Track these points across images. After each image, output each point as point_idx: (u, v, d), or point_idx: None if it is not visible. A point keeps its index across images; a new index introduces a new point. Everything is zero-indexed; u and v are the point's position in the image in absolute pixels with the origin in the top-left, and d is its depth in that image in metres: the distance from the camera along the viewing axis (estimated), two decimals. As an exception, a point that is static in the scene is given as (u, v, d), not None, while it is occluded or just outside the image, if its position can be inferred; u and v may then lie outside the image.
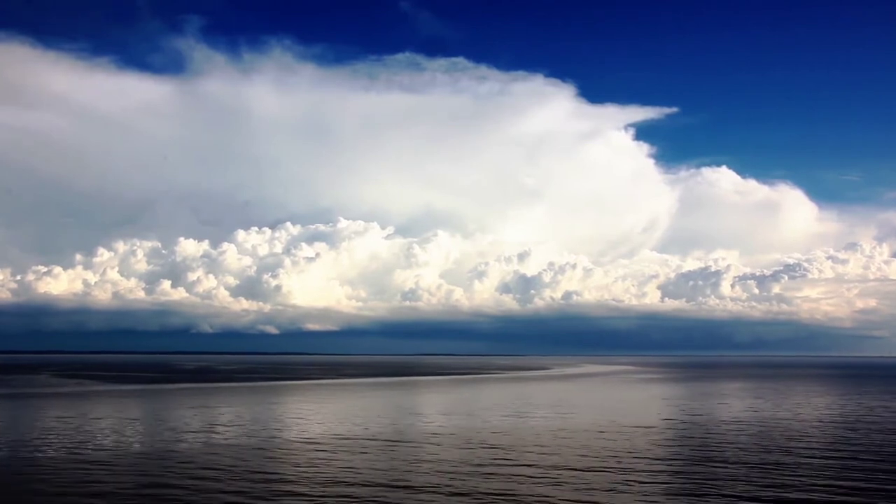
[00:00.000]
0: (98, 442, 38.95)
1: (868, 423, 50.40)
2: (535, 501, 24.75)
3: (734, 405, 66.00)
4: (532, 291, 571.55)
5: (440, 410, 60.49)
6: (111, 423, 48.56)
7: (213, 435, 41.91)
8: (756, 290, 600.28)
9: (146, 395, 78.27)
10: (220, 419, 50.98)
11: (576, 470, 30.40)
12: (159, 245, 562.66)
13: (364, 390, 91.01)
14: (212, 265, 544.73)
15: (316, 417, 53.06)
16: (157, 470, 30.53)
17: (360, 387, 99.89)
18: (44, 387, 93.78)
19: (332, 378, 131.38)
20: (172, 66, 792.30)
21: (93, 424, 47.49)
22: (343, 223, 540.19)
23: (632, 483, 27.71)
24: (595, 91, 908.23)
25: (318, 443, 38.86)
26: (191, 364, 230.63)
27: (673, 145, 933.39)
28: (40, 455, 34.55)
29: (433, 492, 26.24)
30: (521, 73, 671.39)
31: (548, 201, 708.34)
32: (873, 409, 61.87)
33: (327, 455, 34.61)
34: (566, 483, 27.72)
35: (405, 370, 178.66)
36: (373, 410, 59.86)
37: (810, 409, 62.15)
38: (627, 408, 63.63)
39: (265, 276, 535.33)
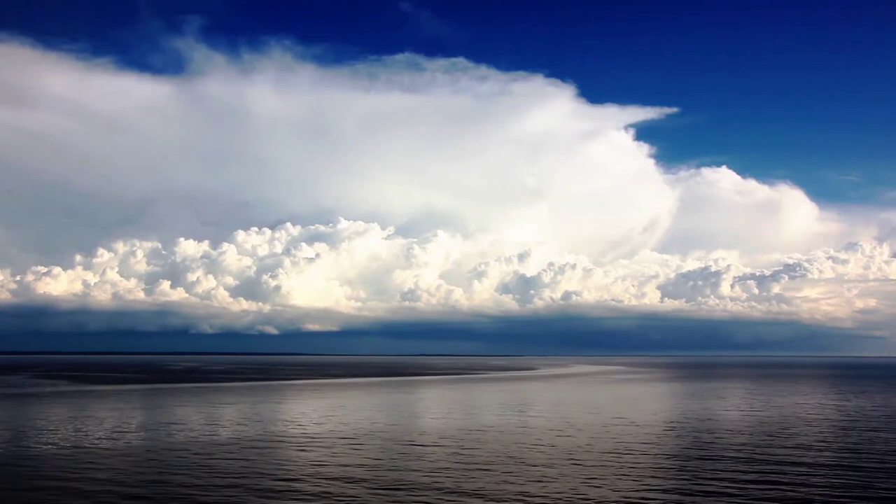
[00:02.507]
0: (19, 441, 39.24)
1: (807, 421, 50.39)
2: (414, 491, 24.98)
3: (688, 405, 66.11)
4: (531, 292, 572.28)
5: (387, 410, 60.72)
6: (45, 422, 48.86)
7: (140, 433, 42.23)
8: (756, 291, 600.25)
9: (107, 396, 78.57)
10: (156, 418, 51.29)
11: (472, 465, 30.65)
12: (159, 245, 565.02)
13: (334, 391, 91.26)
14: (211, 266, 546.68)
15: (255, 417, 53.21)
16: (52, 466, 30.89)
17: (332, 387, 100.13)
18: (12, 387, 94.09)
19: (311, 378, 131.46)
20: (172, 66, 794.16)
21: (27, 424, 47.83)
22: (343, 224, 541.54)
23: (515, 477, 27.87)
24: (595, 91, 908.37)
25: (234, 442, 39.07)
26: (179, 365, 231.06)
27: (673, 145, 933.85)
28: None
29: (314, 483, 26.50)
30: (521, 73, 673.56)
31: (548, 201, 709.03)
32: (825, 408, 61.83)
33: (229, 453, 34.84)
34: (452, 477, 27.93)
35: (391, 370, 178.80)
36: (321, 411, 60.09)
37: (762, 408, 62.14)
38: (579, 408, 63.68)
39: (265, 277, 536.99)
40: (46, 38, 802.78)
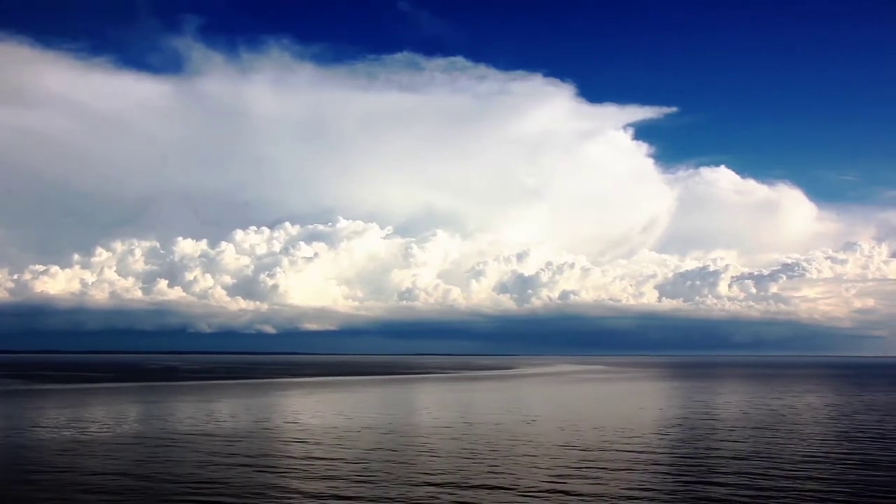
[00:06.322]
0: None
1: (746, 420, 50.88)
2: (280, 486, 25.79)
3: (631, 403, 66.68)
4: (529, 291, 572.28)
5: (316, 408, 61.51)
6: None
7: (63, 431, 43.07)
8: (754, 290, 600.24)
9: (47, 395, 79.39)
10: (87, 416, 52.16)
11: (348, 461, 31.48)
12: (157, 245, 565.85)
13: (292, 389, 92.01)
14: (209, 265, 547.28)
15: (180, 416, 53.94)
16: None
17: (295, 386, 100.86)
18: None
19: (284, 377, 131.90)
20: (171, 65, 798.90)
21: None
22: (342, 223, 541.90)
23: (379, 474, 28.63)
24: (594, 91, 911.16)
25: (147, 438, 39.86)
26: (156, 364, 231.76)
27: (672, 145, 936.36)
28: None
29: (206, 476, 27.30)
30: (520, 72, 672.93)
31: (547, 201, 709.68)
32: (755, 408, 62.28)
33: (128, 449, 35.64)
34: (318, 474, 28.76)
35: (374, 369, 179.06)
36: (260, 409, 60.88)
37: (700, 408, 62.64)
38: (513, 407, 64.37)
39: (262, 276, 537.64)
40: (45, 37, 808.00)
